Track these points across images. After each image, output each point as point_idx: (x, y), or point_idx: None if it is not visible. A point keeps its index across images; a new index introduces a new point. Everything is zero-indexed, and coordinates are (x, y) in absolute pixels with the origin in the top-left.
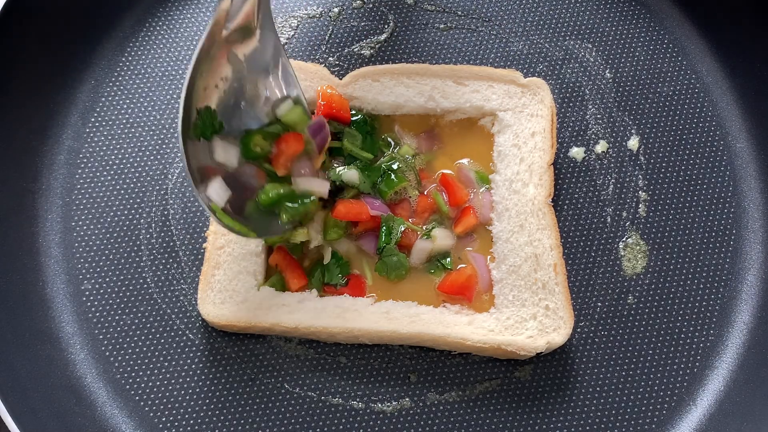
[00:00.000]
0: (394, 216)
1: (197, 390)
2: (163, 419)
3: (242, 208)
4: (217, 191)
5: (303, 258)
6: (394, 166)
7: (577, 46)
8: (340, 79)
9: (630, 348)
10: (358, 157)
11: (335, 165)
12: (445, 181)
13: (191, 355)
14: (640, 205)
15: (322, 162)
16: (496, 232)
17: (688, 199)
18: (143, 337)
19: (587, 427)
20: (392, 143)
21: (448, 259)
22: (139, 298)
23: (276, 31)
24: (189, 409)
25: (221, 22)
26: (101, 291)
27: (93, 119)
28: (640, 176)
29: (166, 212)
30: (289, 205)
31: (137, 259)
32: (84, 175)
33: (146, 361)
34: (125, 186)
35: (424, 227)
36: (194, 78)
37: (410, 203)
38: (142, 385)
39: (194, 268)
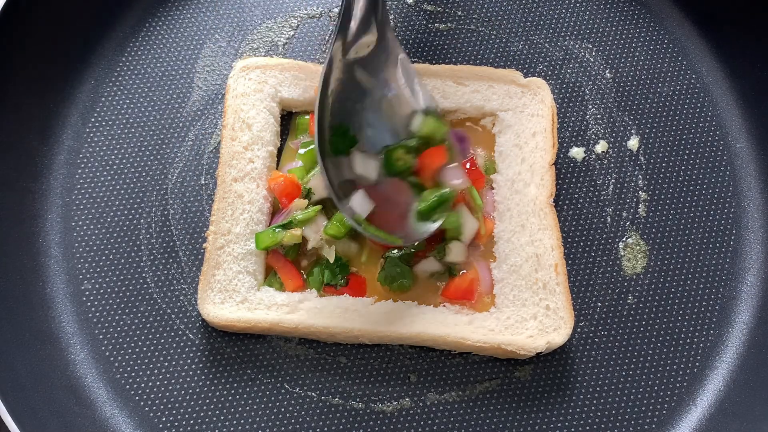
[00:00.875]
0: None
1: (197, 390)
2: (163, 419)
3: (386, 219)
4: (360, 203)
5: (301, 258)
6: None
7: (577, 46)
8: None
9: (630, 348)
10: None
11: None
12: (467, 169)
13: (191, 355)
14: (640, 205)
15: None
16: (497, 231)
17: (688, 199)
18: (143, 337)
19: (587, 427)
20: None
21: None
22: (139, 298)
23: (396, 40)
24: (189, 409)
25: (345, 40)
26: (101, 291)
27: (93, 119)
28: (640, 176)
29: (166, 212)
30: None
31: (137, 259)
32: (84, 175)
33: (146, 361)
34: (125, 186)
35: (436, 247)
36: (324, 97)
37: None
38: (142, 385)
39: (194, 268)
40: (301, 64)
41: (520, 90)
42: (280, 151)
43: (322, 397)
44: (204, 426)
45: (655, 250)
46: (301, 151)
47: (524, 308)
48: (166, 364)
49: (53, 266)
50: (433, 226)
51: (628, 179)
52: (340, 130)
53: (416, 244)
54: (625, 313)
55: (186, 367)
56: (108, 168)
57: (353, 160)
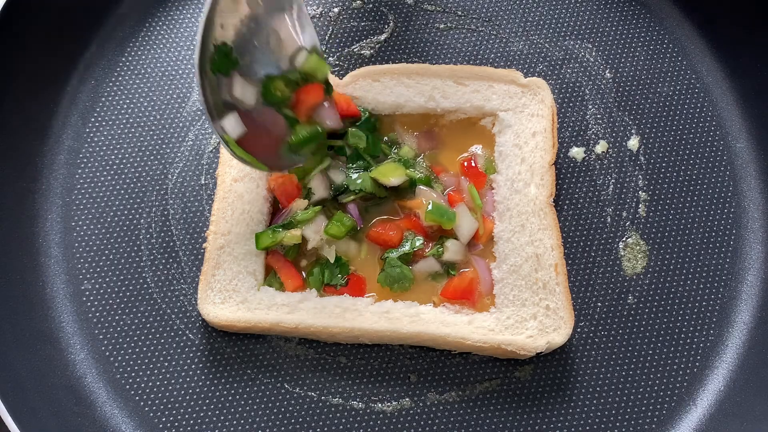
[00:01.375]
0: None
1: (197, 390)
2: (163, 419)
3: (257, 145)
4: (233, 124)
5: (301, 258)
6: (417, 174)
7: (577, 46)
8: (341, 79)
9: (630, 348)
10: (364, 157)
11: (348, 168)
12: (467, 168)
13: (191, 355)
14: (640, 205)
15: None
16: (497, 231)
17: (688, 199)
18: (143, 337)
19: (587, 427)
20: (392, 144)
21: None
22: (139, 298)
23: None
24: (189, 409)
25: None
26: (101, 291)
27: (93, 119)
28: (640, 176)
29: (166, 212)
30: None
31: (137, 259)
32: (84, 175)
33: (146, 361)
34: (125, 186)
35: (433, 245)
36: (212, 13)
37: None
38: (142, 385)
39: (194, 268)
40: None
41: (520, 90)
42: None
43: (322, 397)
44: (204, 426)
45: (655, 250)
46: None
47: (524, 308)
48: (166, 364)
49: (53, 266)
50: (299, 160)
51: (628, 179)
52: (223, 50)
53: (417, 243)
54: (625, 313)
55: (186, 367)
56: (108, 168)
57: (233, 83)
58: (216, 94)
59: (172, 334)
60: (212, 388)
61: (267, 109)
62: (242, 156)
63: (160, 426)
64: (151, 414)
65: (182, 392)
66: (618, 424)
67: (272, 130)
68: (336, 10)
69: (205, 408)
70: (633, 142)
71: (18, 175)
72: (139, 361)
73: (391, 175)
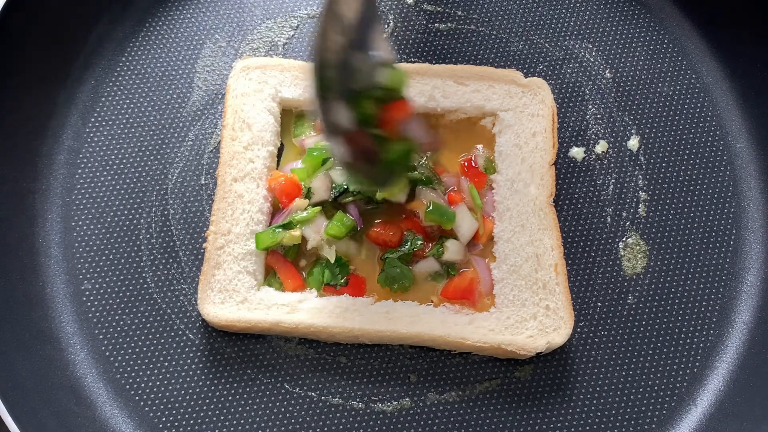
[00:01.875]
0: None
1: (197, 390)
2: (163, 419)
3: (358, 166)
4: (339, 146)
5: (300, 258)
6: (420, 176)
7: (577, 46)
8: None
9: (630, 348)
10: None
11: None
12: (467, 168)
13: (191, 355)
14: (640, 205)
15: None
16: (497, 231)
17: (688, 199)
18: (143, 337)
19: (587, 427)
20: None
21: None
22: (139, 298)
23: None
24: (189, 409)
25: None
26: (101, 291)
27: (93, 119)
28: (640, 176)
29: (166, 212)
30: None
31: (137, 259)
32: (84, 175)
33: (146, 361)
34: (125, 186)
35: (433, 245)
36: (323, 35)
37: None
38: (142, 385)
39: (194, 268)
40: (301, 64)
41: (521, 90)
42: (280, 151)
43: (322, 397)
44: (204, 426)
45: (655, 250)
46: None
47: (524, 308)
48: (166, 364)
49: (53, 266)
50: (396, 177)
51: (628, 179)
52: (325, 67)
53: (417, 243)
54: (625, 313)
55: (186, 367)
56: (108, 168)
57: (335, 108)
58: (326, 115)
59: (172, 334)
60: (212, 388)
61: (358, 129)
62: (356, 177)
63: (160, 426)
64: (151, 414)
65: (182, 392)
66: (618, 424)
67: (366, 149)
68: None
69: (205, 408)
70: (633, 142)
71: (18, 175)
72: (139, 361)
73: (398, 189)
